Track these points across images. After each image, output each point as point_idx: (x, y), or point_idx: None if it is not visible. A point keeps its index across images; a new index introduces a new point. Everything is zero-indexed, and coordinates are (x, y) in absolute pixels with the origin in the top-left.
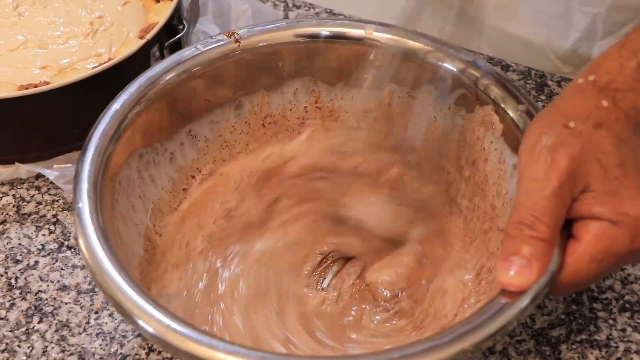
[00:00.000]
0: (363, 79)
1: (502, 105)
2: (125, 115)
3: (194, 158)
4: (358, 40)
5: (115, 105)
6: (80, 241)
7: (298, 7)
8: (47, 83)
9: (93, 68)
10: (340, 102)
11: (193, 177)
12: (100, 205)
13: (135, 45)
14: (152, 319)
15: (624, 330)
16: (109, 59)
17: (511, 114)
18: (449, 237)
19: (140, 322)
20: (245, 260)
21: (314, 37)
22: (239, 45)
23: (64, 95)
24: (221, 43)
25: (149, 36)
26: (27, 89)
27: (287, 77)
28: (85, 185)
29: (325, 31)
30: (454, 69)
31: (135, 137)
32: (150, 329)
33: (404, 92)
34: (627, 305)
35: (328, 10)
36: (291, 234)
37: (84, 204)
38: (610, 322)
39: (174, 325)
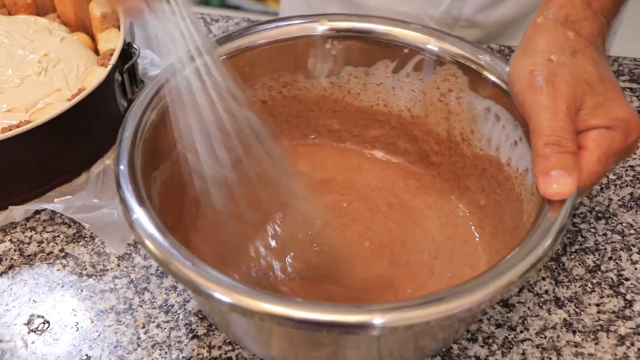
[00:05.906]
0: (321, 68)
1: (463, 61)
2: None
3: None
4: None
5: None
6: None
7: (217, 21)
8: (29, 122)
9: (68, 100)
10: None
11: None
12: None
13: (101, 73)
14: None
15: (605, 234)
16: (79, 90)
17: (474, 67)
18: None
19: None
20: None
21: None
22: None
23: (46, 131)
24: None
25: (112, 61)
26: (10, 130)
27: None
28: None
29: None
30: (409, 40)
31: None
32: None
33: (360, 71)
34: (599, 214)
35: (246, 20)
36: None
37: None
38: (592, 230)
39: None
